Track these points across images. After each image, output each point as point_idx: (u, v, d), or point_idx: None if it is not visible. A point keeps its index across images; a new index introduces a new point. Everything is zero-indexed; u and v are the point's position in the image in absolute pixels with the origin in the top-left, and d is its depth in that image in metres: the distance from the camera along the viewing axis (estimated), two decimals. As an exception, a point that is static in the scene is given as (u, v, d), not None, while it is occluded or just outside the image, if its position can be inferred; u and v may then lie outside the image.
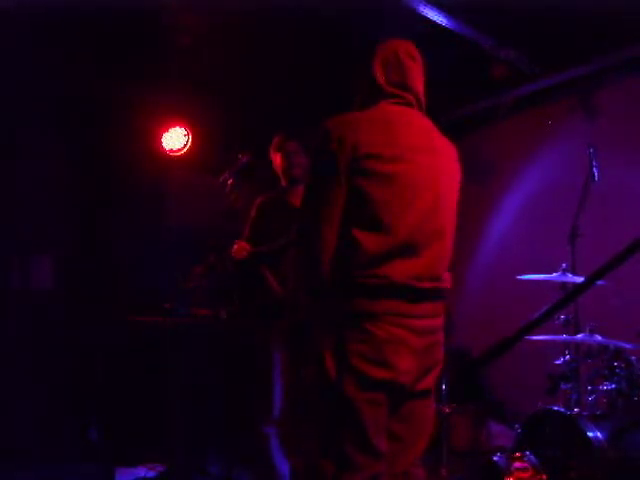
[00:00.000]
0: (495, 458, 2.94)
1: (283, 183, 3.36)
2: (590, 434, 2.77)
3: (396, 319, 1.81)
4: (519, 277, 3.48)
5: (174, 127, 5.07)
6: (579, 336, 3.15)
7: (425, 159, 1.94)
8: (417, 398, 1.92)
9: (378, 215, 1.83)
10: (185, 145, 5.07)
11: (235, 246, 3.26)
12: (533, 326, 1.46)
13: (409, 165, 1.89)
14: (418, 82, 2.08)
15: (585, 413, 2.97)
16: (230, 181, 3.30)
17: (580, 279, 3.21)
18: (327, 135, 1.87)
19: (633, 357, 3.05)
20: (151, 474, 3.88)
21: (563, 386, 3.20)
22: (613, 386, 3.04)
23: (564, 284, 3.38)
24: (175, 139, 5.07)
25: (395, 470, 1.92)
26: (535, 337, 3.10)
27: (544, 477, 2.83)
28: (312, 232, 1.86)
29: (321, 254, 1.84)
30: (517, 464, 2.88)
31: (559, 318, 3.32)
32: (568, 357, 3.24)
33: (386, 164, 1.85)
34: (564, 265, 3.32)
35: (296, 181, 3.30)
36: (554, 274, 3.29)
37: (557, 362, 3.29)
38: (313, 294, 1.92)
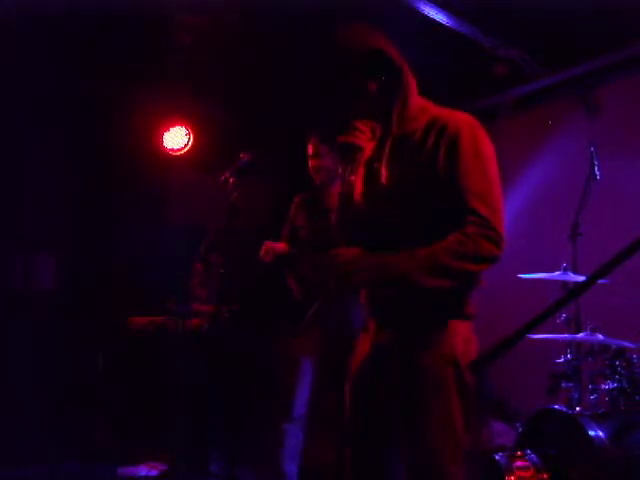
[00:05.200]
0: (496, 457, 2.93)
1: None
2: (591, 433, 2.77)
3: None
4: (520, 276, 3.47)
5: (175, 126, 5.07)
6: (580, 335, 3.15)
7: None
8: None
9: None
10: (186, 144, 5.08)
11: (263, 248, 3.25)
12: (534, 325, 1.46)
13: None
14: None
15: (586, 412, 2.96)
16: (231, 180, 3.29)
17: (581, 278, 3.21)
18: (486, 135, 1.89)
19: (634, 356, 3.05)
20: (153, 473, 3.88)
21: (564, 385, 3.20)
22: (614, 385, 3.03)
23: (565, 283, 3.37)
24: (176, 138, 5.08)
25: None
26: (536, 336, 3.09)
27: (545, 476, 2.82)
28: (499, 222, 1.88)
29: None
30: (518, 463, 2.87)
31: (561, 317, 3.31)
32: (569, 356, 3.24)
33: None
34: (565, 264, 3.32)
35: (321, 185, 3.27)
36: (555, 273, 3.29)
37: (558, 361, 3.28)
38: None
